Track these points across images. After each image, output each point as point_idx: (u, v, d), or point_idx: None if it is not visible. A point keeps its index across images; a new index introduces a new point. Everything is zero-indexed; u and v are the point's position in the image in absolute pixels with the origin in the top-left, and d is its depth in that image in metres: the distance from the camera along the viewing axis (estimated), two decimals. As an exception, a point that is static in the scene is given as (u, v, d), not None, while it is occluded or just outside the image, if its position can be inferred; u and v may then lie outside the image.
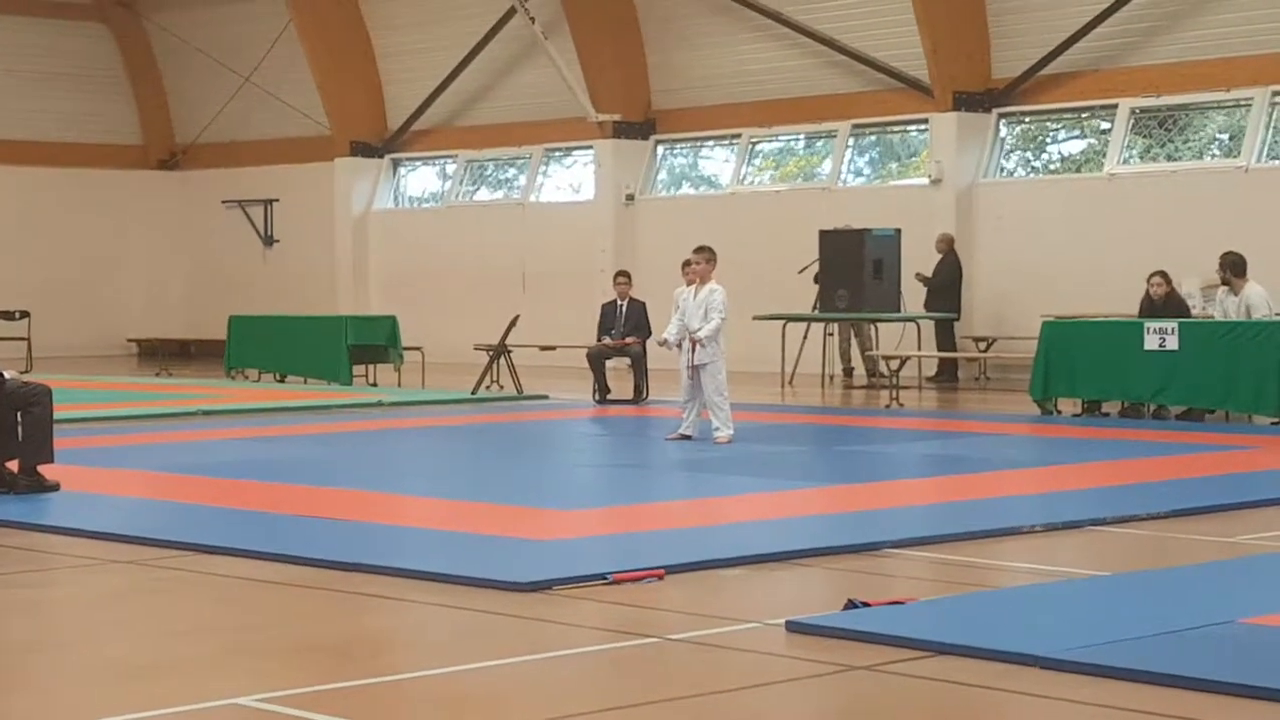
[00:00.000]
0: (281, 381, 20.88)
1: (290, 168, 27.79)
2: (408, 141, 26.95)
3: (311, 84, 26.66)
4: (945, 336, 20.28)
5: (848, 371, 20.35)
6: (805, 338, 20.30)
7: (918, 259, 20.09)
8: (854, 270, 19.55)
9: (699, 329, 13.11)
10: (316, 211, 27.36)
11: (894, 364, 18.08)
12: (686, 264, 13.56)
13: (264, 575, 7.64)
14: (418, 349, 20.38)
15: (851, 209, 21.50)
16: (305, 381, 20.54)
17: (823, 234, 20.08)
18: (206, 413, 16.36)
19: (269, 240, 28.48)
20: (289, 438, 14.15)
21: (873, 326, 20.30)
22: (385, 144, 27.09)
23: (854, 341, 20.54)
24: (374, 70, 26.89)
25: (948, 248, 20.28)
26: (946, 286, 20.13)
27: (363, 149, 26.98)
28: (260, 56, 27.47)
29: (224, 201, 28.76)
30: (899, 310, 19.81)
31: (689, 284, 13.41)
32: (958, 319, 20.28)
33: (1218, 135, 20.26)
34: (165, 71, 29.44)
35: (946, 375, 20.26)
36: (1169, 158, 20.25)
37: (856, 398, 18.47)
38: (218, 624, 6.75)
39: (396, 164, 27.44)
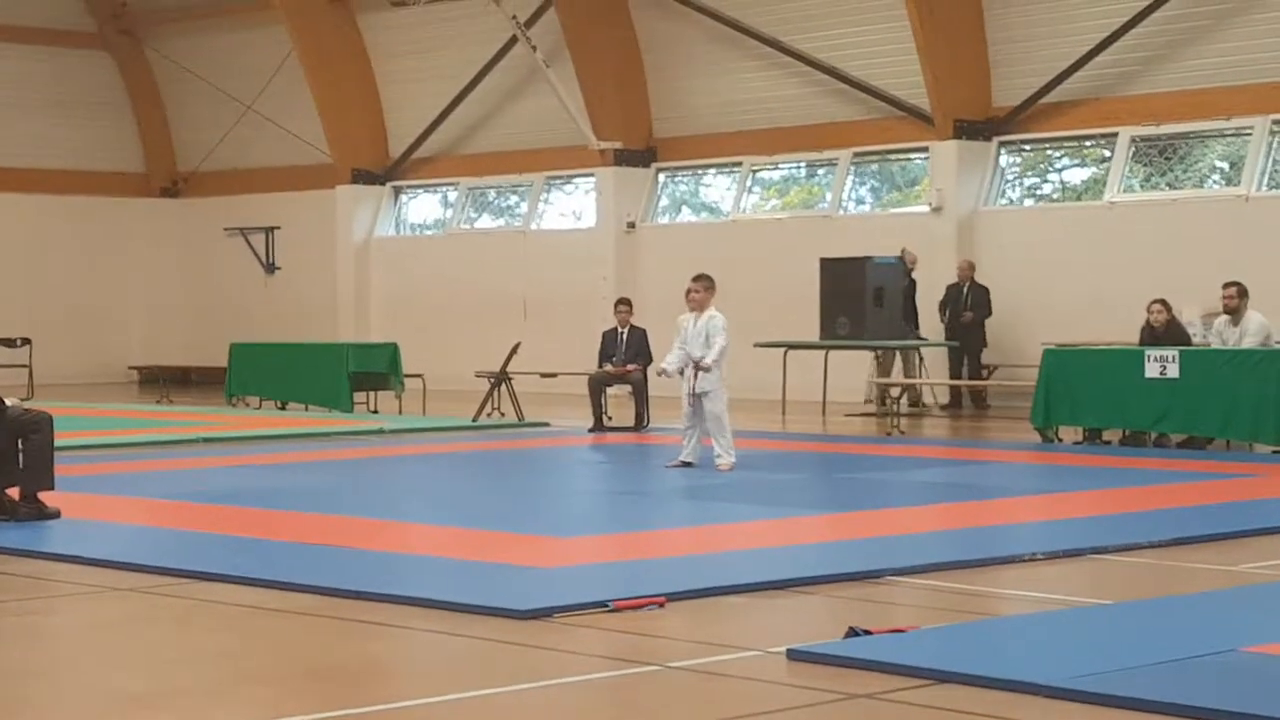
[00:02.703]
0: (282, 409, 20.87)
1: (292, 195, 27.83)
2: (409, 169, 27.00)
3: (313, 111, 26.72)
4: (959, 365, 20.30)
5: (915, 403, 20.19)
6: (826, 366, 20.22)
7: (922, 288, 20.15)
8: (855, 298, 19.58)
9: (702, 356, 13.11)
10: (318, 239, 27.39)
11: (894, 392, 18.08)
12: (689, 292, 13.58)
13: (265, 603, 7.63)
14: (419, 376, 20.38)
15: (852, 237, 21.53)
16: (306, 409, 20.53)
17: (824, 262, 20.10)
18: (207, 440, 16.35)
19: (270, 267, 28.50)
20: (290, 465, 14.15)
21: (917, 355, 20.31)
22: (387, 171, 27.13)
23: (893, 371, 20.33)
24: (376, 98, 26.96)
25: (970, 274, 20.29)
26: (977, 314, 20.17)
27: (364, 176, 27.03)
28: (262, 84, 27.54)
29: (226, 229, 28.79)
30: (902, 338, 19.82)
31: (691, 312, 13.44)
32: (986, 346, 20.28)
33: (1218, 164, 20.30)
34: (168, 99, 29.52)
35: (958, 404, 20.32)
36: (1169, 186, 20.28)
37: (864, 427, 18.46)
38: (218, 652, 6.74)
39: (398, 191, 27.48)
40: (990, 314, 20.20)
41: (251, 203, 28.40)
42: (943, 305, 20.47)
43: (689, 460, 13.26)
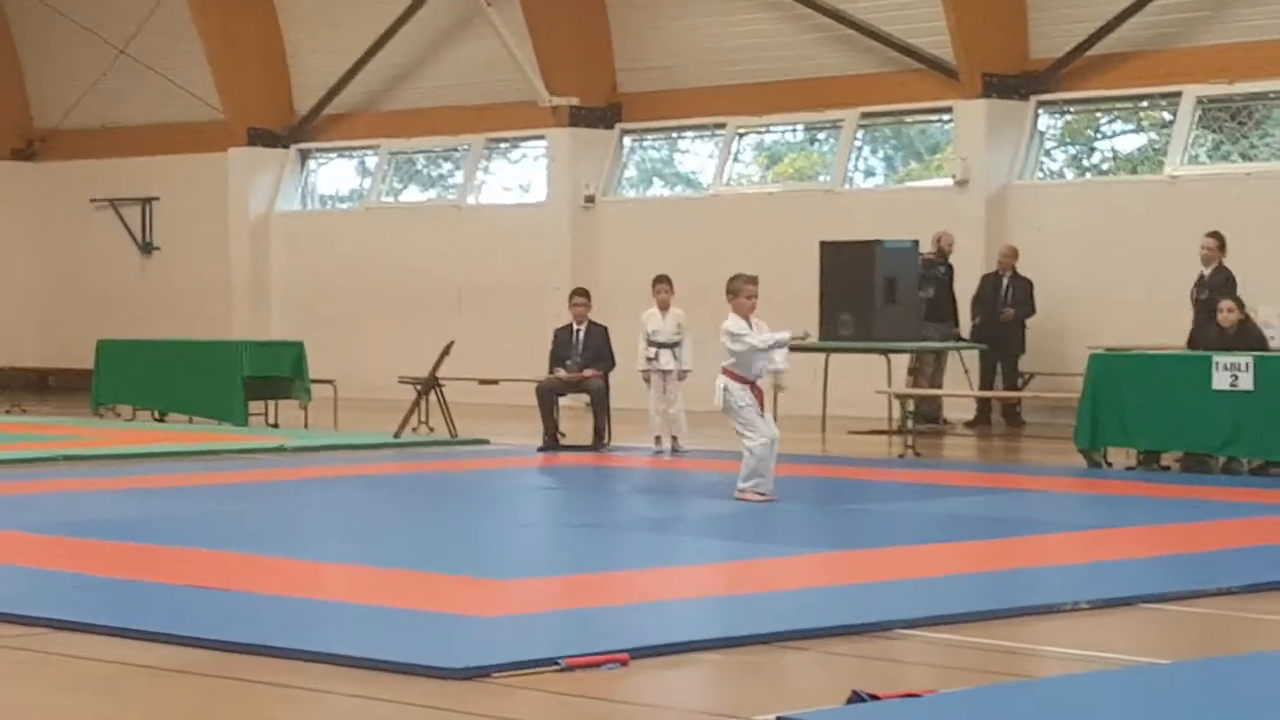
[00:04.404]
0: (161, 421, 20.81)
1: (174, 159, 27.74)
2: (318, 129, 26.95)
3: (201, 57, 26.65)
4: (991, 373, 20.39)
5: (932, 418, 20.23)
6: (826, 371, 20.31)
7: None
8: (862, 290, 19.64)
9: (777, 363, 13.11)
10: (206, 213, 27.31)
11: (908, 405, 18.17)
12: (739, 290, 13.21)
13: (138, 659, 7.61)
14: (329, 382, 20.36)
15: (859, 216, 21.59)
16: (191, 421, 20.48)
17: (824, 246, 20.16)
18: (68, 458, 16.29)
19: (147, 248, 28.41)
20: (170, 490, 14.09)
21: (950, 360, 20.39)
22: (291, 132, 27.08)
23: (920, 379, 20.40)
24: (278, 41, 26.90)
25: (1012, 264, 20.38)
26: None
27: (263, 137, 26.96)
28: (139, 24, 27.46)
29: (93, 200, 28.69)
30: (917, 339, 19.91)
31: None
32: (1024, 351, 20.41)
33: (1302, 130, 20.46)
34: (20, 40, 29.40)
35: (986, 420, 20.43)
36: (1243, 156, 20.42)
37: (871, 447, 18.52)
38: (81, 719, 6.71)
39: (305, 156, 27.42)
40: (1034, 312, 20.32)
41: (124, 168, 28.29)
42: (976, 301, 20.57)
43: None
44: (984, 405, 20.51)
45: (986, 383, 20.46)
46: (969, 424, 20.48)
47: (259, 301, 26.94)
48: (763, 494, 12.92)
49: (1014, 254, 20.42)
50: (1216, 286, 17.60)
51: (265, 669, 7.37)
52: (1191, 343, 17.43)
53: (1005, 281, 20.39)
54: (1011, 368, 20.43)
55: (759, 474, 12.93)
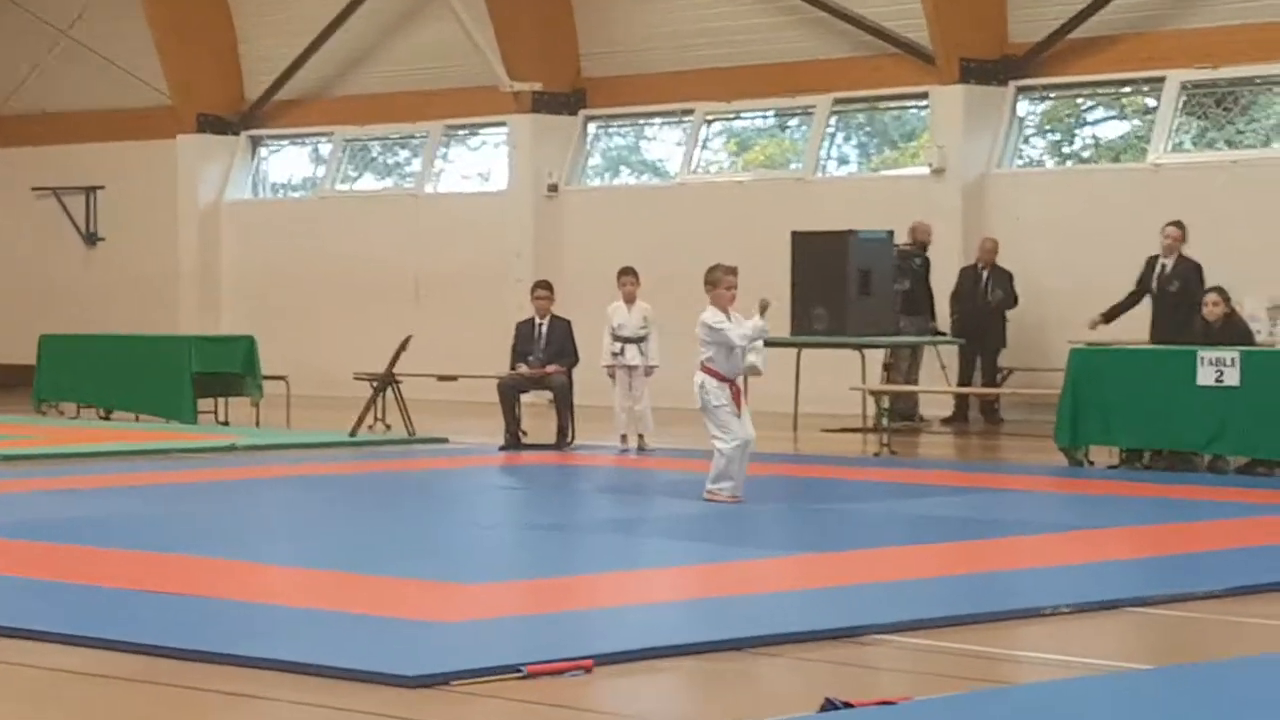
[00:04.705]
0: (107, 419, 20.74)
1: (120, 146, 27.64)
2: (270, 115, 26.89)
3: (148, 40, 26.55)
4: (970, 368, 20.44)
5: (908, 416, 20.23)
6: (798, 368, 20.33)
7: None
8: (835, 283, 19.66)
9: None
10: (153, 202, 27.22)
11: (883, 402, 18.19)
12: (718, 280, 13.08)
13: (79, 666, 7.58)
14: (282, 378, 20.31)
15: (832, 205, 21.61)
16: (137, 419, 20.41)
17: (796, 236, 20.18)
18: (8, 458, 16.22)
19: (91, 238, 28.31)
20: (116, 491, 14.05)
21: (925, 355, 20.44)
22: (242, 118, 27.00)
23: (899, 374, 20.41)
24: (228, 23, 26.82)
25: (992, 257, 20.43)
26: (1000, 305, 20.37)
27: (213, 124, 26.89)
28: (82, 6, 27.34)
29: (34, 189, 28.56)
30: (894, 333, 19.93)
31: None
32: (1005, 345, 20.46)
33: (1289, 117, 20.53)
34: (-40, 22, 29.26)
35: (964, 417, 20.48)
36: (1229, 144, 20.48)
37: (845, 445, 18.55)
38: (23, 729, 6.70)
39: (256, 143, 27.35)
40: (1016, 303, 20.37)
41: (68, 155, 28.18)
42: (955, 294, 20.61)
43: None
44: (962, 401, 20.54)
45: (965, 378, 20.49)
46: (946, 421, 20.52)
47: (208, 294, 26.86)
48: (732, 496, 12.91)
49: (995, 246, 20.45)
50: (1186, 277, 17.68)
51: (215, 676, 7.35)
52: (1158, 337, 17.48)
53: (985, 274, 20.44)
54: (991, 363, 20.48)
55: (728, 476, 12.92)
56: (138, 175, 27.53)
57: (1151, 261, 18.10)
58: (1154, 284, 17.93)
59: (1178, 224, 17.93)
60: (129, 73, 27.17)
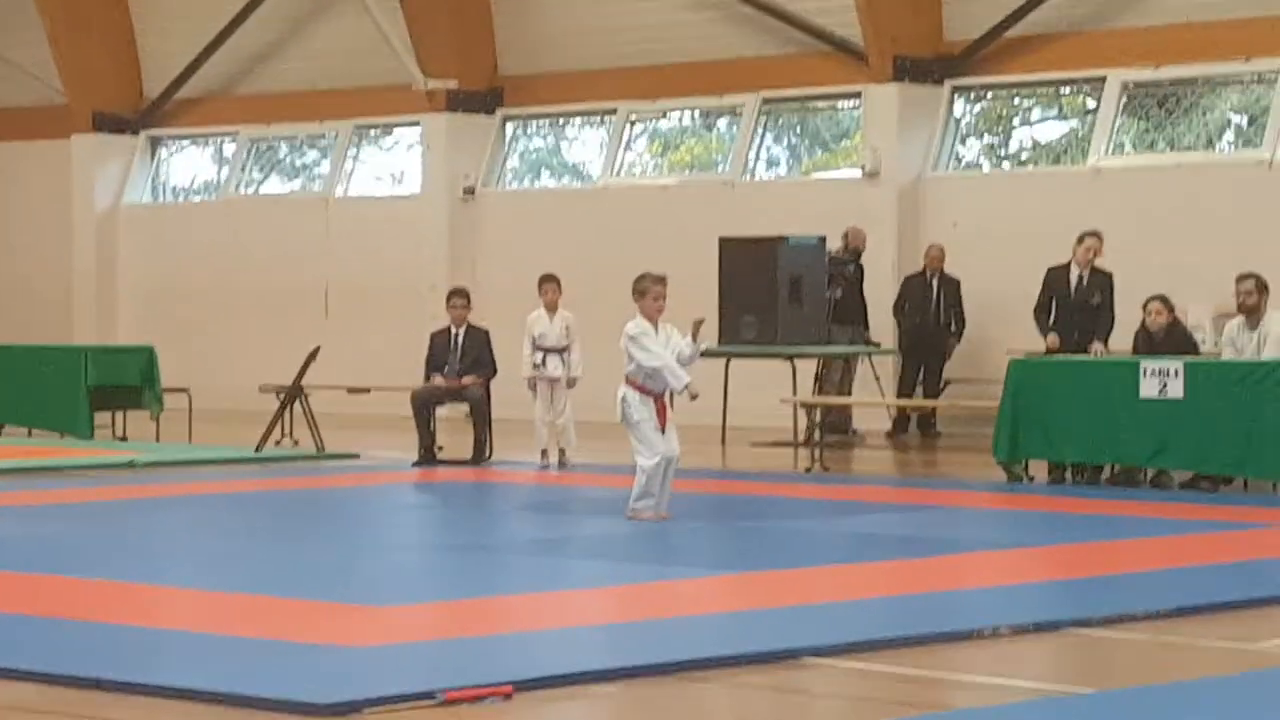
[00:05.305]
0: (-3, 434, 20.62)
1: (10, 146, 27.48)
2: (171, 113, 26.76)
3: (41, 34, 26.39)
4: (914, 379, 20.54)
5: (841, 429, 20.26)
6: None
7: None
8: (765, 291, 19.71)
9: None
10: (46, 205, 27.06)
11: (815, 415, 18.25)
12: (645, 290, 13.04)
13: (-26, 696, 7.54)
14: (183, 391, 20.22)
15: (762, 209, 21.67)
16: (29, 434, 20.28)
17: (724, 242, 20.22)
18: (-106, 476, 16.11)
19: (-19, 243, 28.13)
20: (7, 510, 13.94)
21: (859, 366, 20.52)
22: (140, 116, 26.87)
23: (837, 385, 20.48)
24: (126, 17, 26.68)
25: (940, 264, 20.51)
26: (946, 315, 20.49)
27: (110, 122, 26.75)
28: (-28, -4, 27.18)
29: (-80, 191, 28.36)
30: (824, 342, 19.99)
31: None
32: (949, 357, 20.57)
33: (1233, 118, 20.71)
34: None
35: (904, 429, 20.57)
36: (1170, 146, 20.65)
37: (776, 460, 18.59)
38: (-89, 762, 6.65)
39: (155, 143, 27.22)
40: (964, 318, 20.47)
41: (-45, 156, 28.00)
42: (899, 303, 20.70)
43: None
44: (903, 415, 20.62)
45: (907, 390, 20.57)
46: (889, 434, 20.57)
47: (105, 303, 26.70)
48: (656, 514, 12.91)
49: (942, 253, 20.55)
50: (1105, 290, 17.73)
51: (112, 705, 7.31)
52: (1060, 349, 17.44)
53: (935, 283, 20.53)
54: (936, 375, 20.57)
55: (650, 494, 12.92)
56: (30, 177, 27.37)
57: (1057, 271, 18.01)
58: (1071, 295, 17.88)
59: (1096, 233, 17.94)
60: (20, 68, 26.99)
